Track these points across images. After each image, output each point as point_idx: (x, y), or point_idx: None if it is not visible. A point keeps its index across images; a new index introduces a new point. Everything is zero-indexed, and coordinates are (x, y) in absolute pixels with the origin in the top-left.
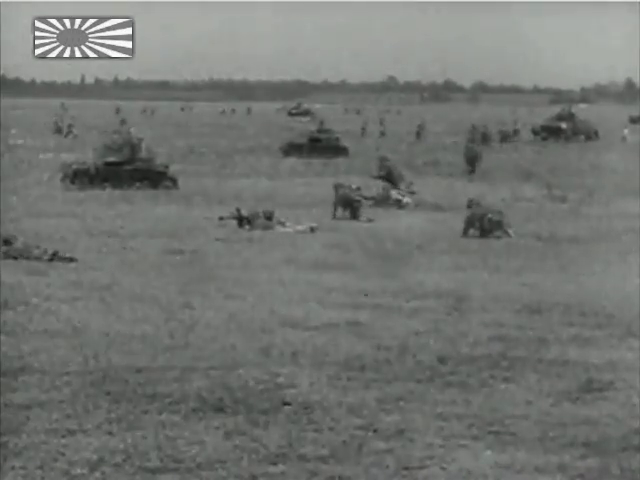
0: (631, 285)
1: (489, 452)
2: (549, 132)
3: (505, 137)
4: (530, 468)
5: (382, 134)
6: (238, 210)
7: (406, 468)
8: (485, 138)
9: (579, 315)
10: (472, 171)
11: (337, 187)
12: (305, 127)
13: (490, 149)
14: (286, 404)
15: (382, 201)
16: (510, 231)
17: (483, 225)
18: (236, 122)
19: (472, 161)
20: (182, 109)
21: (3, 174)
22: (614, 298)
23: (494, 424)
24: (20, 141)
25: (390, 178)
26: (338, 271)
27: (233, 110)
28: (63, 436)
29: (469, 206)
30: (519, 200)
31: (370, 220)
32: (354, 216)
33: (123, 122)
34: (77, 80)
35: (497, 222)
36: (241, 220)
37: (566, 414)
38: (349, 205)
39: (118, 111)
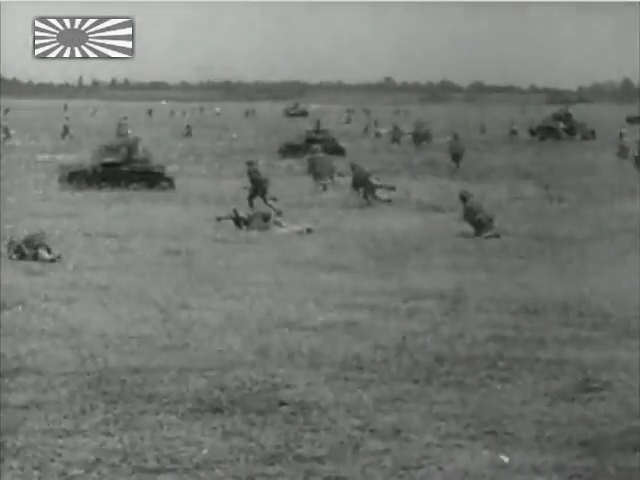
0: (628, 285)
1: (486, 452)
2: (546, 132)
3: (426, 136)
4: (527, 468)
5: (377, 135)
6: (235, 211)
7: (403, 468)
8: (423, 137)
9: (576, 315)
10: (456, 167)
11: (249, 164)
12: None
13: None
14: (283, 404)
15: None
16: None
17: (481, 220)
18: (234, 122)
19: (457, 158)
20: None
21: (2, 175)
22: (611, 298)
23: (491, 424)
24: (18, 142)
25: (314, 172)
26: (335, 271)
27: (252, 111)
28: (60, 436)
29: (464, 198)
30: (516, 200)
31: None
32: (262, 198)
33: (189, 127)
34: (74, 81)
35: (491, 219)
36: (238, 221)
37: (563, 414)
38: (256, 185)
39: (150, 113)
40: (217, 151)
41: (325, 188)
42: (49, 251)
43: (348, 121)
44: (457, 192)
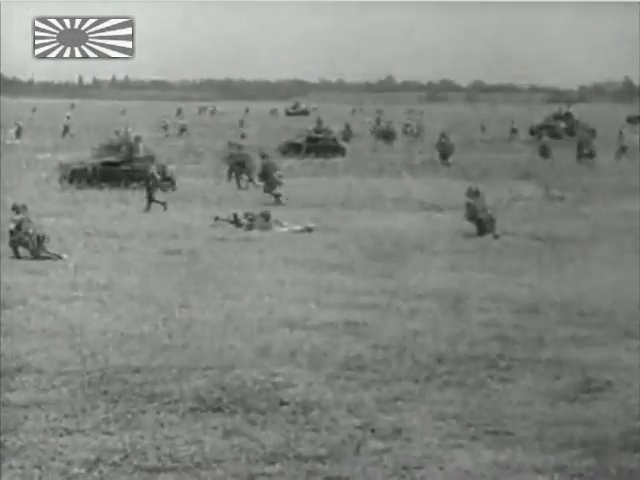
0: (629, 285)
1: (487, 452)
2: (546, 131)
3: (392, 135)
4: (528, 468)
5: (376, 134)
6: (235, 215)
7: (404, 468)
8: (388, 136)
9: (577, 315)
10: (446, 165)
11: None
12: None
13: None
14: (284, 403)
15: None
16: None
17: (483, 219)
18: (234, 122)
19: (446, 155)
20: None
21: (2, 174)
22: (612, 298)
23: (492, 424)
24: (18, 141)
25: (235, 170)
26: (336, 271)
27: (274, 111)
28: (61, 435)
29: (469, 195)
30: (517, 199)
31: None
32: (149, 199)
33: (243, 123)
34: (74, 80)
35: (494, 219)
36: (239, 225)
37: (564, 414)
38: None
39: (180, 112)
40: (216, 150)
41: (240, 186)
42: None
43: (378, 122)
44: (453, 192)
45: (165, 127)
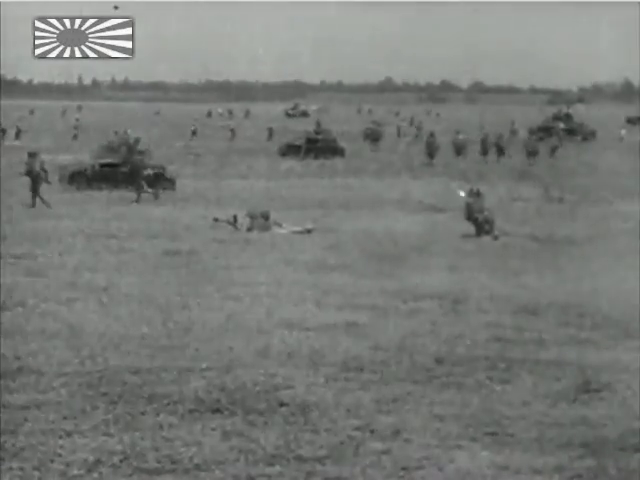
0: (628, 286)
1: (486, 453)
2: (546, 132)
3: (379, 136)
4: (527, 469)
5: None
6: (234, 216)
7: (403, 469)
8: (375, 137)
9: (576, 316)
10: (431, 163)
11: (30, 155)
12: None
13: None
14: (283, 405)
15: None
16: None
17: (479, 219)
18: (234, 123)
19: (432, 155)
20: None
21: (2, 175)
22: (611, 299)
23: (491, 425)
24: (17, 142)
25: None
26: (335, 272)
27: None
28: (60, 437)
29: (470, 195)
30: (516, 200)
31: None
32: (34, 191)
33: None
34: (73, 81)
35: (492, 220)
36: (237, 226)
37: (563, 415)
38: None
39: (210, 114)
40: (216, 151)
41: (138, 200)
42: None
43: (412, 123)
44: (453, 193)
45: (194, 132)
